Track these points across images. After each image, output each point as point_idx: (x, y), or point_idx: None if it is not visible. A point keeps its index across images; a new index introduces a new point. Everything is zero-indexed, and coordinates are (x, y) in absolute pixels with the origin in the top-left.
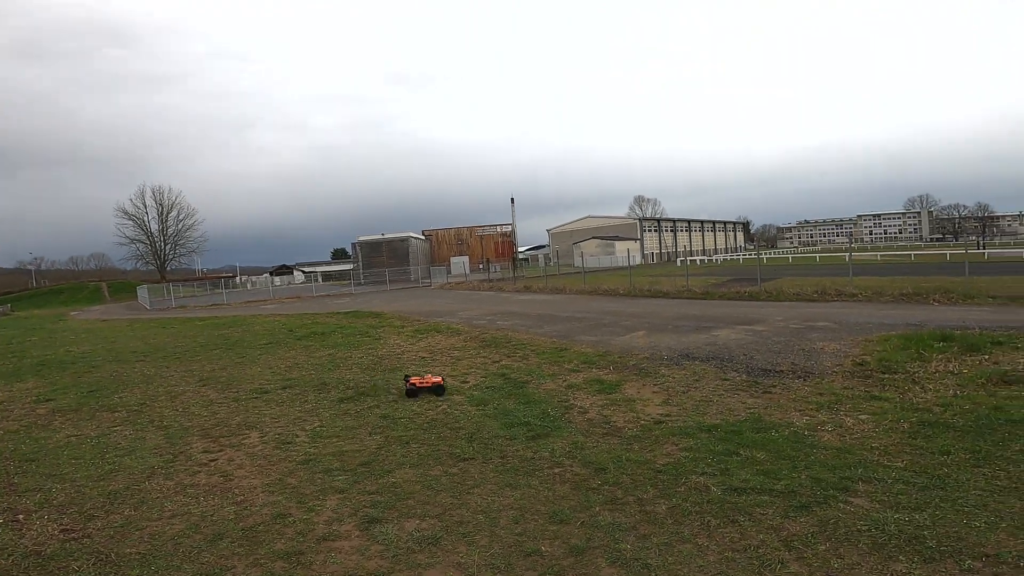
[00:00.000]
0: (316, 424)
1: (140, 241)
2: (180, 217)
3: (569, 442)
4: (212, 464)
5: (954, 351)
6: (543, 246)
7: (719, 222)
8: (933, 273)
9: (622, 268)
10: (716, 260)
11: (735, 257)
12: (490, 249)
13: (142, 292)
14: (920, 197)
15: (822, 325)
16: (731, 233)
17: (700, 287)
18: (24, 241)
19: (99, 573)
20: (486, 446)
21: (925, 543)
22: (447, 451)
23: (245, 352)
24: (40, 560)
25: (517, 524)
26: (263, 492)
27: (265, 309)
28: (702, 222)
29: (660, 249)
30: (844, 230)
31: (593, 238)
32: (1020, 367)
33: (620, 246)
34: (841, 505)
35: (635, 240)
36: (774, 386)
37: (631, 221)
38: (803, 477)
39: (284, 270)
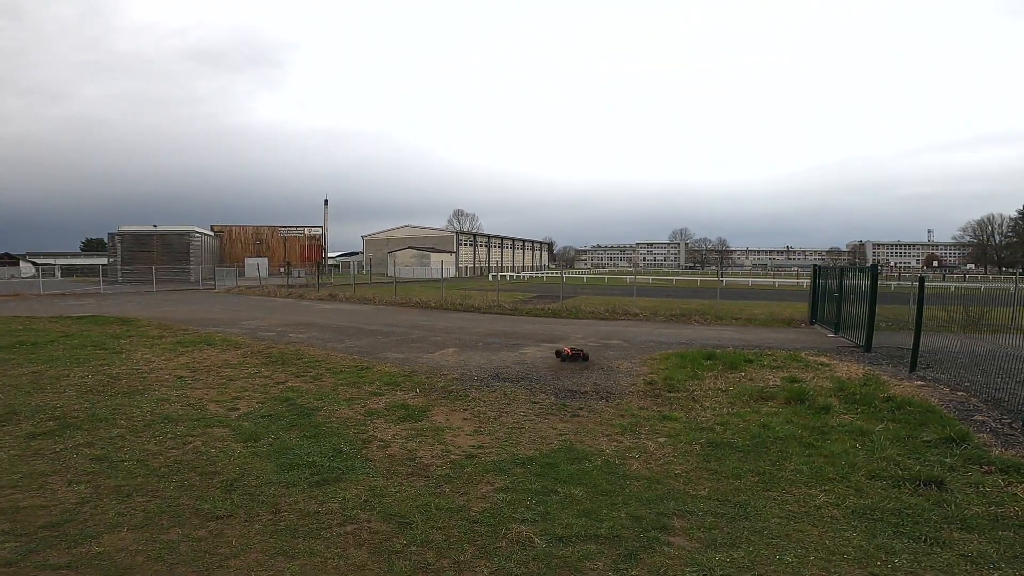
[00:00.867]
0: None
1: None
2: None
3: (366, 487)
4: None
5: (719, 369)
6: (356, 253)
7: (528, 241)
8: (689, 296)
9: (436, 280)
10: (523, 276)
11: (540, 275)
12: (294, 252)
13: None
14: (680, 230)
15: (615, 343)
16: (538, 252)
17: (509, 303)
18: None
19: None
20: (252, 497)
21: None
22: (192, 506)
23: None
24: None
25: None
26: None
27: None
28: (513, 240)
29: (474, 263)
30: (626, 255)
31: (409, 248)
32: (769, 383)
33: (436, 258)
34: (665, 548)
35: (451, 253)
36: (581, 408)
37: (448, 234)
38: (623, 516)
39: (7, 259)
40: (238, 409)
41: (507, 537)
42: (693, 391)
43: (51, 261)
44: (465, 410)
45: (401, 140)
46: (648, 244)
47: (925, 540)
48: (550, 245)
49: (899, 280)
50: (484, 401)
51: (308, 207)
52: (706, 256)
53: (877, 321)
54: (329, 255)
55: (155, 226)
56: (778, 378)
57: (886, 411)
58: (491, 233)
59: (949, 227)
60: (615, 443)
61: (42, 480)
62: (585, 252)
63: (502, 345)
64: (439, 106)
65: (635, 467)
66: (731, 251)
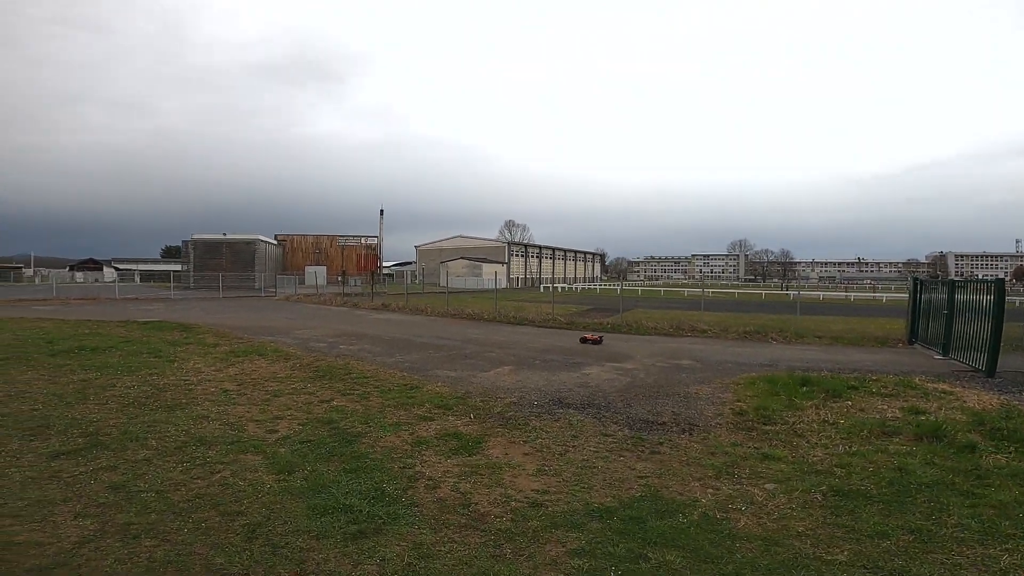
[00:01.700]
0: None
1: None
2: None
3: (411, 543)
4: None
5: (819, 397)
6: (410, 263)
7: (580, 252)
8: (756, 310)
9: (488, 291)
10: (576, 288)
11: (593, 286)
12: (351, 261)
13: None
14: (739, 241)
15: (687, 364)
16: (590, 263)
17: (565, 316)
18: None
19: None
20: (275, 550)
21: None
22: (204, 557)
23: None
24: None
25: None
26: None
27: (35, 311)
28: (565, 251)
29: (525, 274)
30: (681, 267)
31: (461, 258)
32: (888, 415)
33: (488, 268)
34: None
35: (502, 263)
36: (661, 443)
37: (500, 244)
38: None
39: (92, 265)
40: (277, 431)
41: None
42: (794, 424)
43: (132, 267)
44: (525, 442)
45: (454, 150)
46: (705, 255)
47: None
48: (602, 256)
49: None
50: (547, 432)
51: (365, 217)
52: (767, 268)
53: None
54: (384, 264)
55: (224, 234)
56: (896, 409)
57: None
58: (542, 244)
59: None
60: (711, 490)
61: (49, 510)
62: (638, 263)
63: (562, 364)
64: (492, 115)
65: (743, 523)
66: (795, 263)
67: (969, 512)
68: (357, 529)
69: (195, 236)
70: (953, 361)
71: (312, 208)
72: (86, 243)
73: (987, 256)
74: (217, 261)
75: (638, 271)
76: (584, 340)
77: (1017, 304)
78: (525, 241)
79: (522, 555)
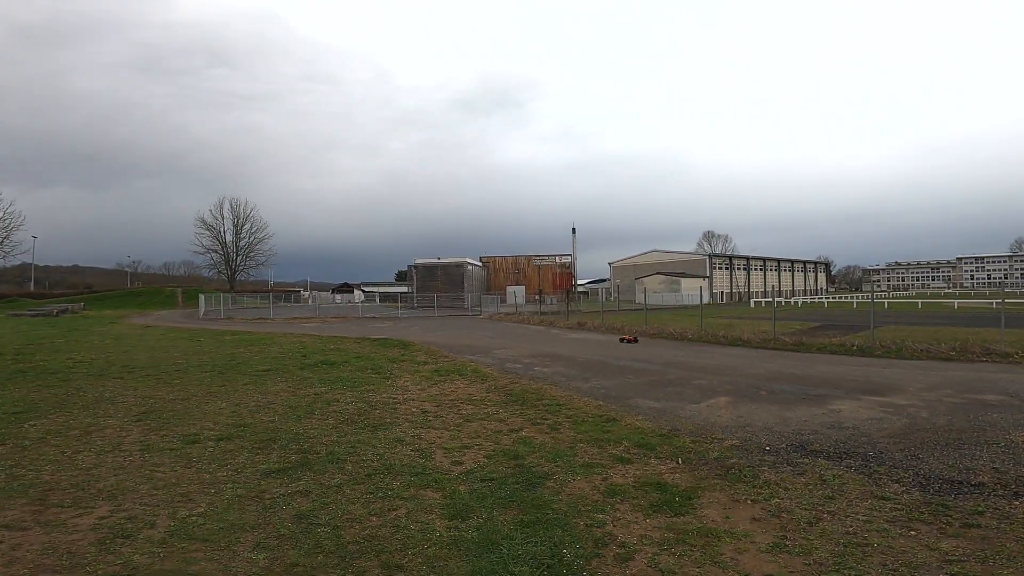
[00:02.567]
0: (201, 508)
1: (214, 251)
2: (252, 230)
3: None
4: None
5: None
6: (604, 280)
7: (798, 261)
8: None
9: (689, 307)
10: (795, 302)
11: (818, 300)
12: (547, 280)
13: (200, 300)
14: None
15: (994, 400)
16: (811, 273)
17: (790, 336)
18: (128, 244)
19: None
20: None
21: None
22: None
23: (234, 379)
24: None
25: None
26: None
27: (302, 328)
28: (779, 261)
29: (731, 288)
30: (941, 273)
31: (657, 273)
32: None
33: (687, 283)
34: None
35: (703, 277)
36: (980, 513)
37: (699, 257)
38: None
39: (346, 288)
40: (462, 463)
41: None
42: None
43: (374, 289)
44: (754, 502)
45: (642, 163)
46: (976, 258)
47: None
48: (827, 265)
49: None
50: (786, 489)
51: (558, 236)
52: None
53: None
54: (577, 282)
55: (439, 258)
56: None
57: None
58: (750, 254)
59: None
60: None
61: (236, 536)
62: (876, 271)
63: (796, 396)
64: (683, 124)
65: None
66: None
67: None
68: None
69: (417, 261)
70: None
71: (511, 230)
72: (343, 269)
73: None
74: (434, 283)
75: (877, 280)
76: (623, 340)
77: None
78: (728, 252)
79: None
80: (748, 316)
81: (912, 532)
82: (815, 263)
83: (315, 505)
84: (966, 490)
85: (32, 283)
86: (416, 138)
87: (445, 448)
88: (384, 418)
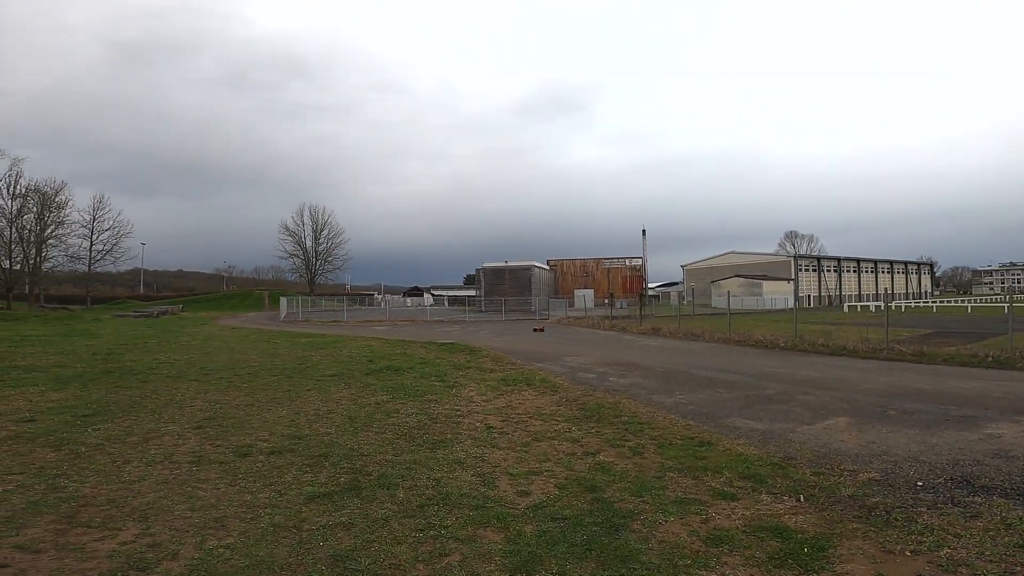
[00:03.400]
0: (232, 538)
1: (296, 255)
2: (329, 235)
3: None
4: None
5: None
6: (675, 283)
7: (897, 262)
8: None
9: (771, 312)
10: (897, 307)
11: (924, 304)
12: (617, 283)
13: (282, 303)
14: None
15: None
16: (913, 275)
17: (905, 344)
18: (224, 250)
19: None
20: None
21: None
22: None
23: (299, 384)
24: None
25: None
26: None
27: (372, 331)
28: (875, 261)
29: (819, 291)
30: None
31: (735, 276)
32: None
33: (769, 286)
34: None
35: (788, 280)
36: None
37: (783, 258)
38: None
39: (416, 292)
40: (529, 494)
41: None
42: None
43: (443, 293)
44: (916, 554)
45: (716, 162)
46: None
47: None
48: (930, 266)
49: None
50: (959, 536)
51: (625, 239)
52: None
53: None
54: (648, 285)
55: (506, 262)
56: None
57: None
58: (841, 255)
59: None
60: None
61: (263, 571)
62: (988, 272)
63: (936, 417)
64: (757, 118)
65: None
66: None
67: None
68: None
69: (484, 264)
70: None
71: (577, 233)
72: (414, 273)
73: None
74: (501, 286)
75: (990, 282)
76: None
77: None
78: (815, 253)
79: None
80: (844, 321)
81: None
82: (917, 264)
83: (356, 543)
84: None
85: (142, 286)
86: (480, 144)
87: (510, 474)
88: (445, 434)
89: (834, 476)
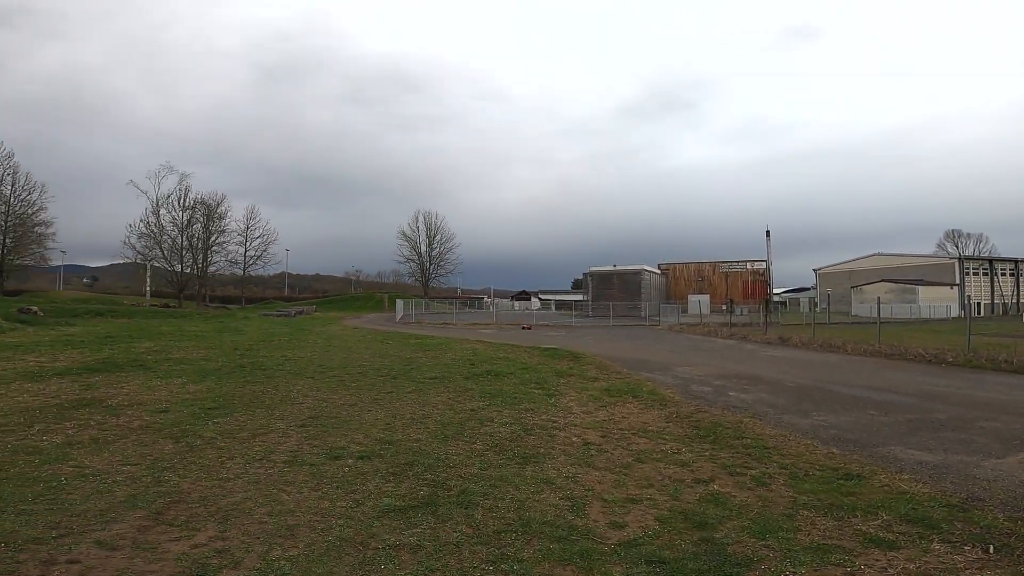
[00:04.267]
0: (297, 549)
1: (412, 260)
2: (442, 240)
3: None
4: None
5: None
6: (805, 288)
7: None
8: None
9: (929, 321)
10: None
11: None
12: (736, 288)
13: (398, 305)
14: None
15: None
16: None
17: None
18: (353, 255)
19: None
20: None
21: None
22: None
23: (402, 385)
24: None
25: None
26: None
27: (478, 333)
28: None
29: (992, 299)
30: None
31: (882, 280)
32: None
33: (925, 292)
34: None
35: (951, 286)
36: None
37: (945, 261)
38: None
39: (524, 296)
40: (624, 527)
41: None
42: None
43: (550, 297)
44: None
45: (850, 156)
46: None
47: None
48: None
49: None
50: None
51: (747, 241)
52: None
53: None
54: (773, 291)
55: (615, 266)
56: None
57: None
58: (1019, 257)
59: None
60: None
61: None
62: None
63: None
64: (901, 102)
65: None
66: None
67: None
68: None
69: (592, 269)
70: None
71: (690, 236)
72: (522, 277)
73: None
74: (609, 291)
75: None
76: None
77: None
78: (985, 255)
79: None
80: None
81: None
82: None
83: (419, 570)
84: None
85: (286, 288)
86: (585, 147)
87: (604, 500)
88: (538, 447)
89: None
